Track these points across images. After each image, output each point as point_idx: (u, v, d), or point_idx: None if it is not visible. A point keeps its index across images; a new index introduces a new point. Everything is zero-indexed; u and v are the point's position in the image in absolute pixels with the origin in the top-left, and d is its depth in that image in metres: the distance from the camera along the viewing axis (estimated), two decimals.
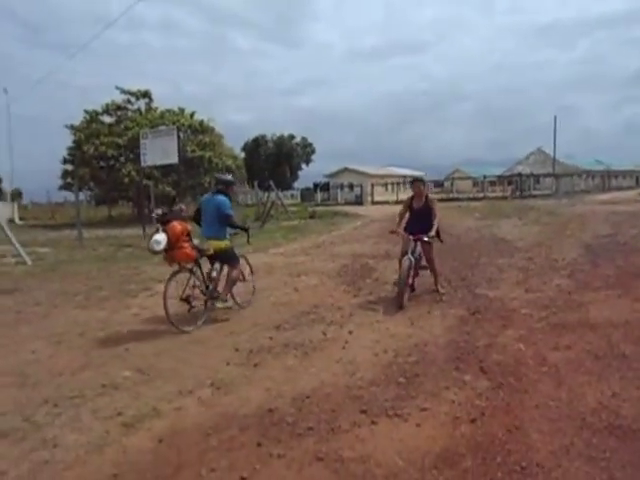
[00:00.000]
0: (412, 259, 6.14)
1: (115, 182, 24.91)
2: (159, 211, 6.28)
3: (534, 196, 33.00)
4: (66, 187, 27.90)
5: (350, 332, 5.08)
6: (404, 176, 47.12)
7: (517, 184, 38.11)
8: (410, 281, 6.26)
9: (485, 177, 42.19)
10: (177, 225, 5.45)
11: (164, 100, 29.70)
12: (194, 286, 5.62)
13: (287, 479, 2.60)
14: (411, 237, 6.32)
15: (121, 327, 5.64)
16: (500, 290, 6.62)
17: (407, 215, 6.79)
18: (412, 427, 3.06)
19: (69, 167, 27.12)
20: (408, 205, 6.74)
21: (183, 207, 6.76)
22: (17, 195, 32.26)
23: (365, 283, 7.71)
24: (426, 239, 6.18)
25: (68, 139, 26.74)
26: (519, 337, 4.64)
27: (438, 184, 49.49)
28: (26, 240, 13.63)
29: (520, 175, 39.17)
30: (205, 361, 4.44)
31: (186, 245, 5.48)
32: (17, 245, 11.47)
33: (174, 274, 5.47)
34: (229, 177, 6.33)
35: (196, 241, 5.71)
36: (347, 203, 39.14)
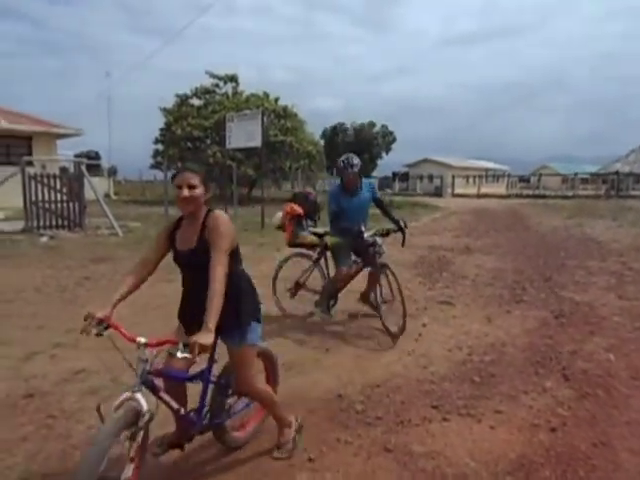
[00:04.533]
0: None
1: (200, 162, 25.94)
2: (295, 190, 6.41)
3: (632, 197, 30.45)
4: (156, 166, 29.43)
5: (424, 325, 4.97)
6: (486, 169, 45.29)
7: (613, 183, 35.37)
8: None
9: (576, 174, 39.54)
10: (287, 207, 5.35)
11: (252, 85, 30.46)
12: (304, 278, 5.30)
13: (354, 466, 2.59)
14: None
15: None
16: (588, 294, 6.18)
17: None
18: (486, 429, 2.94)
19: (160, 147, 28.60)
20: None
21: (310, 191, 6.16)
22: (113, 172, 34.53)
23: (441, 276, 7.50)
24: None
25: (161, 120, 28.18)
26: (609, 346, 4.31)
27: (523, 179, 47.09)
28: (119, 214, 14.58)
29: (617, 173, 36.26)
30: (279, 341, 4.52)
31: (289, 229, 5.34)
32: (111, 218, 12.31)
33: (289, 256, 5.51)
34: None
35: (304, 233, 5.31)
36: (426, 194, 38.29)
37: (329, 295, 5.04)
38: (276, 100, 28.39)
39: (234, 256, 2.28)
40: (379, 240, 4.59)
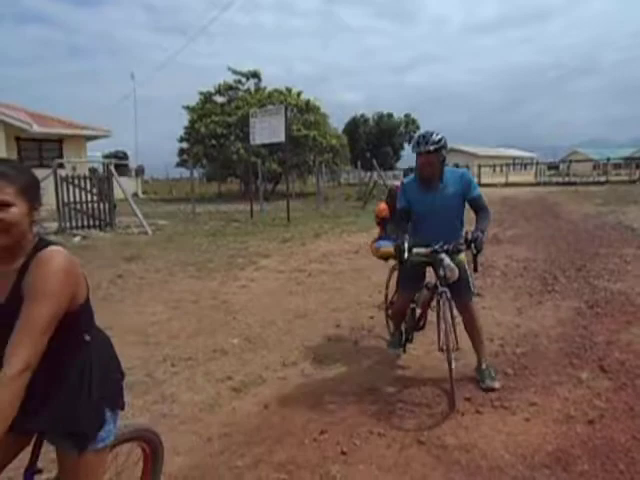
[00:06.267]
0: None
1: (225, 159, 26.17)
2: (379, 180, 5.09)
3: None
4: (182, 164, 29.87)
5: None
6: (514, 157, 44.38)
7: None
8: None
9: (609, 159, 38.38)
10: (380, 205, 4.42)
11: (276, 80, 30.62)
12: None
13: (387, 458, 2.60)
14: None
15: (229, 297, 5.96)
16: (624, 283, 6.01)
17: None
18: (520, 421, 2.90)
19: (185, 145, 28.96)
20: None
21: (396, 183, 4.36)
22: (140, 171, 35.14)
23: None
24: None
25: (185, 119, 28.53)
26: None
27: (552, 166, 45.99)
28: (147, 212, 14.87)
29: None
30: (308, 335, 4.56)
31: (378, 232, 4.38)
32: (140, 217, 12.55)
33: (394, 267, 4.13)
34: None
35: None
36: None
37: (397, 327, 3.90)
38: (298, 94, 28.41)
39: (73, 323, 1.48)
40: (448, 260, 3.18)
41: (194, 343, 4.39)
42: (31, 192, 1.41)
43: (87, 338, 1.56)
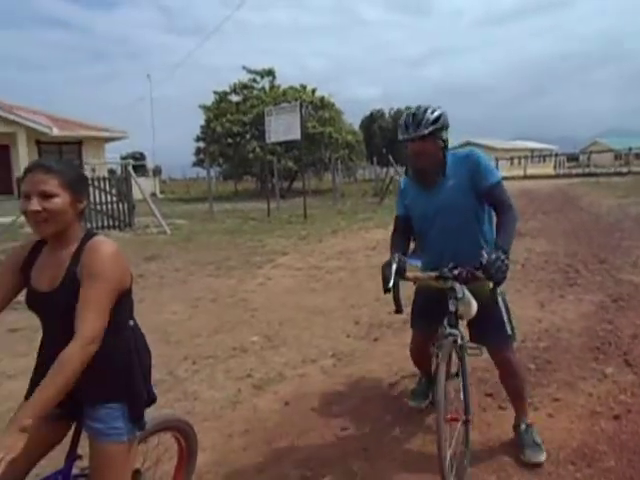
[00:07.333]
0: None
1: (241, 158, 26.31)
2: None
3: None
4: (198, 163, 30.13)
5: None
6: (532, 149, 43.77)
7: None
8: None
9: (630, 149, 37.58)
10: None
11: (290, 77, 30.66)
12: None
13: (409, 454, 2.59)
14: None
15: (248, 295, 6.00)
16: None
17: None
18: (544, 417, 2.86)
19: (201, 144, 29.19)
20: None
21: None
22: (157, 171, 35.53)
23: None
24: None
25: (201, 118, 28.73)
26: None
27: (572, 158, 45.24)
28: (165, 212, 15.01)
29: None
30: (327, 332, 4.56)
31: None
32: (159, 217, 12.69)
33: None
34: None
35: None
36: None
37: (422, 372, 3.07)
38: (313, 91, 28.40)
39: (120, 306, 1.56)
40: (460, 289, 2.21)
41: (214, 341, 4.43)
42: (75, 185, 1.53)
43: (131, 323, 1.68)
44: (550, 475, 2.34)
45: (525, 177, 33.17)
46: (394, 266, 2.21)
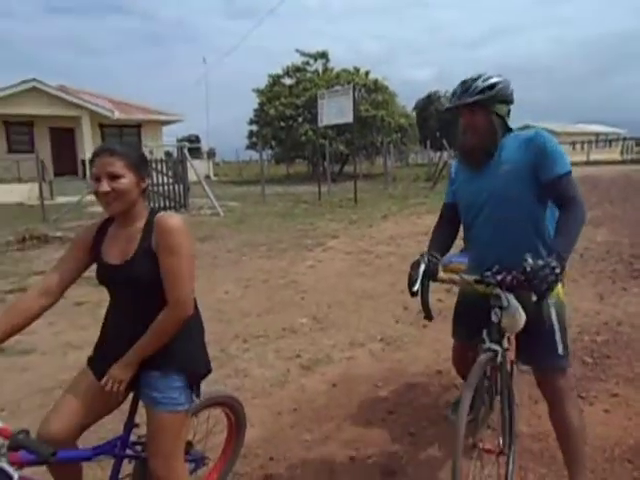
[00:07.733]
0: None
1: (293, 141, 26.46)
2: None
3: None
4: (251, 146, 30.52)
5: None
6: (597, 134, 41.46)
7: None
8: None
9: None
10: None
11: (344, 60, 30.31)
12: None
13: None
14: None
15: (298, 277, 6.08)
16: None
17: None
18: (599, 412, 2.77)
19: (254, 128, 29.53)
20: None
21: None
22: (212, 154, 36.32)
23: None
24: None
25: (255, 101, 29.04)
26: None
27: None
28: (219, 194, 15.36)
29: None
30: (375, 316, 4.57)
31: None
32: (213, 198, 13.01)
33: None
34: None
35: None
36: None
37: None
38: (366, 74, 28.01)
39: None
40: (504, 297, 1.81)
41: (264, 321, 4.54)
42: (138, 166, 1.63)
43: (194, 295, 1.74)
44: (605, 471, 2.27)
45: (588, 163, 31.53)
46: (422, 267, 1.97)
